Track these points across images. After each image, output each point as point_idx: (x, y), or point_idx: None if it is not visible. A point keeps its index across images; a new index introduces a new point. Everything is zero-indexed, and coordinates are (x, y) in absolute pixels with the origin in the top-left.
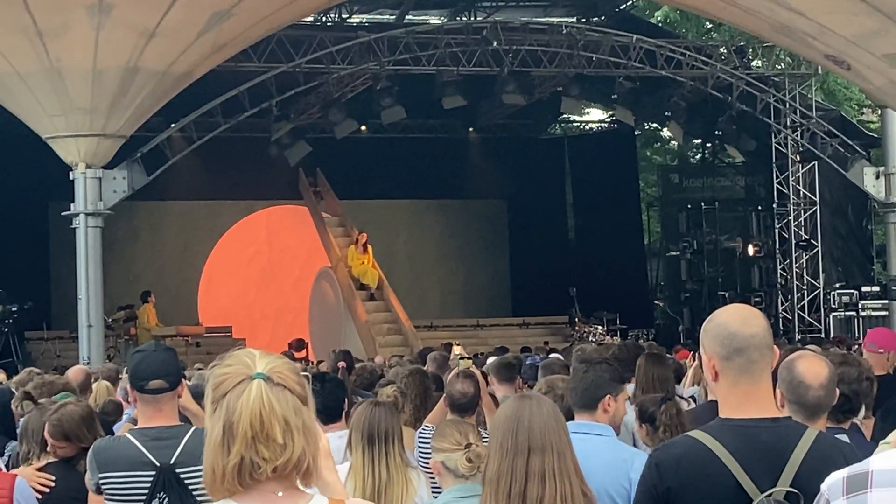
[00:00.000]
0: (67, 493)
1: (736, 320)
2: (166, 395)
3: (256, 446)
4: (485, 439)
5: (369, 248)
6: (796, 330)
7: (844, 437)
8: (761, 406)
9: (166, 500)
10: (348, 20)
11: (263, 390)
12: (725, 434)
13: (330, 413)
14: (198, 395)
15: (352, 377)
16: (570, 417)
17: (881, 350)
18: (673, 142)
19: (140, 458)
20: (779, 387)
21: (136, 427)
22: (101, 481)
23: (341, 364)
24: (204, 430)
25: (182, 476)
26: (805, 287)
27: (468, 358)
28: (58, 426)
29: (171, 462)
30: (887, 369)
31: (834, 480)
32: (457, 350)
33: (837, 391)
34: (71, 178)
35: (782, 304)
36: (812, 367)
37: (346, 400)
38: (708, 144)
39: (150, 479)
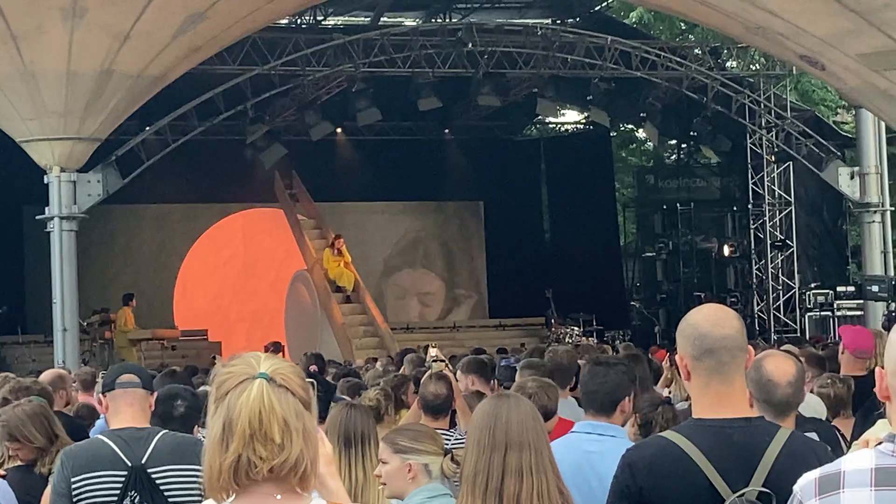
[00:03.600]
0: (23, 498)
1: (708, 321)
2: (138, 391)
3: (254, 444)
4: (459, 440)
5: (345, 250)
6: (772, 330)
7: (814, 436)
8: (734, 406)
9: (137, 498)
10: (323, 22)
11: (265, 389)
12: (698, 434)
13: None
14: (171, 396)
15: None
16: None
17: (868, 357)
18: (648, 143)
19: (113, 457)
20: (748, 386)
21: (108, 428)
22: (75, 485)
23: (312, 368)
24: (176, 433)
25: (153, 476)
26: (780, 287)
27: (441, 360)
28: (5, 427)
29: (143, 462)
30: (865, 370)
31: (806, 481)
32: (432, 352)
33: (806, 390)
34: (45, 181)
35: (758, 305)
36: (780, 365)
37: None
38: (683, 145)
39: (123, 478)
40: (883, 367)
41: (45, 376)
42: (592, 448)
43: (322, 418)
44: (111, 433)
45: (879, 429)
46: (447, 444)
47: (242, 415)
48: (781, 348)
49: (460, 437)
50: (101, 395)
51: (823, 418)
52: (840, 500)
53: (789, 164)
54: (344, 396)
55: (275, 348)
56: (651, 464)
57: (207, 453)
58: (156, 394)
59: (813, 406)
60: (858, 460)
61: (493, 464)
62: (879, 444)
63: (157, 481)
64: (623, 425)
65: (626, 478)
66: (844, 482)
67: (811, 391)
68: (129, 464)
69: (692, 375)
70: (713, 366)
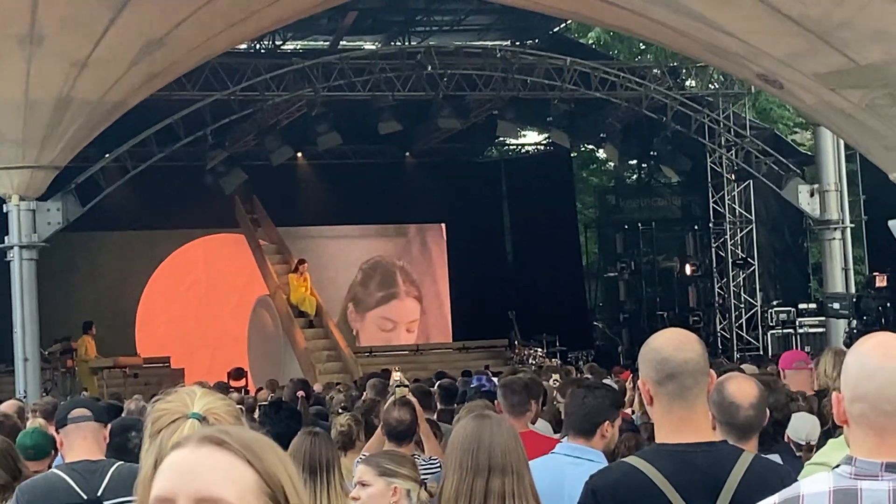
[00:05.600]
0: None
1: (670, 345)
2: (91, 424)
3: None
4: (424, 466)
5: (307, 275)
6: (735, 348)
7: (777, 458)
8: (697, 431)
9: None
10: (282, 47)
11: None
12: (661, 459)
13: (280, 442)
14: (125, 428)
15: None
16: None
17: (809, 365)
18: (609, 163)
19: (68, 491)
20: (710, 408)
21: (63, 462)
22: None
23: (300, 393)
24: (132, 465)
25: None
26: (743, 305)
27: (405, 385)
28: None
29: (98, 494)
30: (813, 387)
31: None
32: (396, 376)
33: (768, 412)
34: (4, 210)
35: (720, 323)
36: (742, 387)
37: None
38: (644, 165)
39: None
40: (839, 392)
41: (7, 408)
42: (571, 471)
43: (287, 446)
44: (66, 467)
45: (829, 449)
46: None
47: None
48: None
49: (425, 462)
50: (55, 432)
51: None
52: None
53: (749, 183)
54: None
55: (237, 374)
56: (615, 490)
57: (139, 489)
58: (109, 426)
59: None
60: (817, 483)
61: (475, 488)
62: (837, 466)
63: None
64: (604, 449)
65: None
66: None
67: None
68: (85, 496)
69: (654, 400)
70: (675, 390)
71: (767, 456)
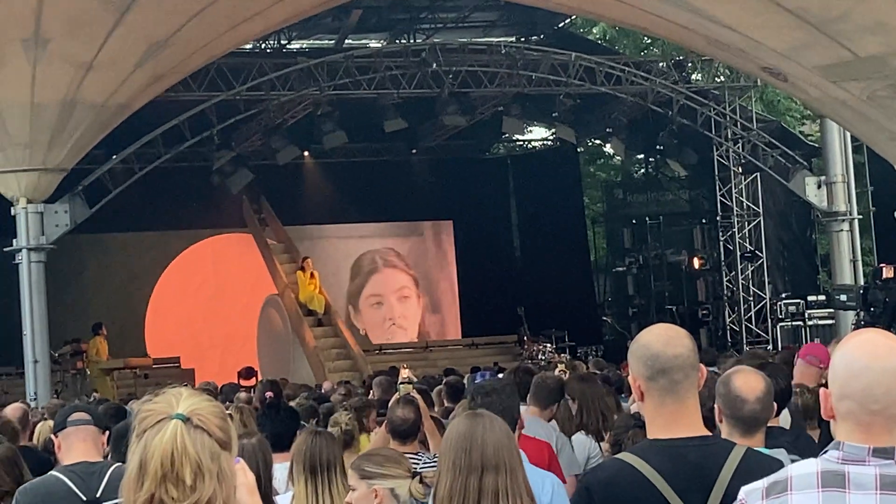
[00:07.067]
0: None
1: (659, 341)
2: (90, 427)
3: (166, 485)
4: (429, 463)
5: (315, 273)
6: (744, 341)
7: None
8: (688, 425)
9: None
10: (287, 46)
11: (180, 431)
12: (653, 455)
13: (279, 442)
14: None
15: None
16: None
17: (822, 365)
18: (616, 158)
19: (67, 492)
20: (716, 402)
21: (62, 465)
22: None
23: (269, 394)
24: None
25: None
26: (751, 298)
27: (409, 382)
28: None
29: (97, 496)
30: (819, 382)
31: (752, 487)
32: (404, 374)
33: (775, 405)
34: (12, 213)
35: (729, 316)
36: (748, 381)
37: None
38: (650, 159)
39: None
40: (827, 388)
41: (11, 412)
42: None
43: (286, 447)
44: (64, 469)
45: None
46: (417, 468)
47: (156, 455)
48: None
49: (429, 460)
50: (53, 435)
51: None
52: (789, 502)
53: (756, 175)
54: (304, 423)
55: (247, 373)
56: (608, 486)
57: (125, 488)
58: (107, 432)
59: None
60: (805, 466)
61: (469, 486)
62: (825, 452)
63: None
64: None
65: (584, 501)
66: (792, 485)
67: None
68: (84, 498)
69: (646, 396)
70: (666, 385)
71: (772, 451)
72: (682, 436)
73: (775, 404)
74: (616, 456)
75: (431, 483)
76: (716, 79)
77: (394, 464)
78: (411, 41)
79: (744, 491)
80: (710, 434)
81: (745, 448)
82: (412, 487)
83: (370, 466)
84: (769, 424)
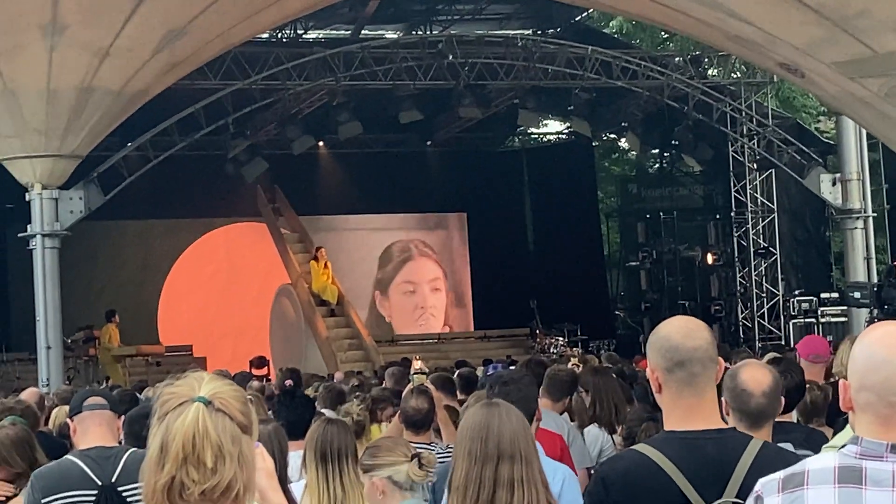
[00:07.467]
0: None
1: (678, 333)
2: (105, 412)
3: (187, 467)
4: (441, 454)
5: (328, 263)
6: (756, 338)
7: (789, 445)
8: (706, 418)
9: None
10: (304, 36)
11: (201, 414)
12: (670, 447)
13: (293, 430)
14: (144, 415)
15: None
16: None
17: (826, 358)
18: (630, 152)
19: (83, 477)
20: (723, 395)
21: (77, 449)
22: None
23: (288, 382)
24: (142, 450)
25: (123, 494)
26: (765, 294)
27: (422, 373)
28: None
29: (112, 480)
30: (824, 377)
31: (769, 479)
32: (416, 365)
33: (782, 399)
34: (27, 199)
35: (742, 312)
36: (755, 375)
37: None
38: (665, 154)
39: (93, 497)
40: (847, 379)
41: (28, 396)
42: None
43: (301, 434)
44: (80, 453)
45: (848, 433)
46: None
47: (177, 438)
48: (767, 356)
49: (442, 451)
50: (69, 419)
51: None
52: (804, 497)
53: (771, 172)
54: (323, 411)
55: (259, 363)
56: (624, 478)
57: (146, 471)
58: (122, 417)
59: None
60: (823, 460)
61: (484, 475)
62: (844, 446)
63: (128, 499)
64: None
65: (600, 492)
66: (809, 480)
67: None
68: (99, 482)
69: (663, 388)
70: (684, 378)
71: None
72: (699, 428)
73: (783, 399)
74: (633, 447)
75: (429, 465)
76: (732, 74)
77: (386, 452)
78: (428, 32)
79: (760, 483)
80: (728, 427)
81: (762, 441)
82: (410, 471)
83: (367, 460)
84: (782, 420)
